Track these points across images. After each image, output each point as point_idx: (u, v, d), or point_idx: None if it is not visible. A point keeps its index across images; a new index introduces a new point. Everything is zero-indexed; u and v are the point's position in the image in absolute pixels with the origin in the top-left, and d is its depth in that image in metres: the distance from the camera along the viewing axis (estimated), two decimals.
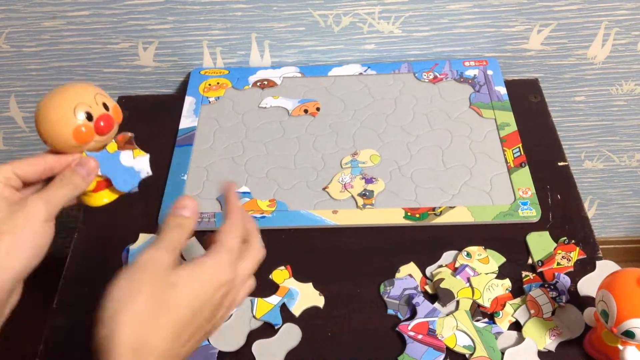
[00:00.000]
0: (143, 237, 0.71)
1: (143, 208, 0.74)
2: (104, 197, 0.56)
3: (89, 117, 0.51)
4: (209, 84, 0.90)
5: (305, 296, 0.65)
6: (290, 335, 0.62)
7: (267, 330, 0.63)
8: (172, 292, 0.43)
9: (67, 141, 0.50)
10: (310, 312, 0.65)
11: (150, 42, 0.92)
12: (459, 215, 0.71)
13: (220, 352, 0.61)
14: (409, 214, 0.71)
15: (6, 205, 0.47)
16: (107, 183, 0.55)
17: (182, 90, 0.93)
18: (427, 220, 0.71)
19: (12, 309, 0.47)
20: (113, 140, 0.54)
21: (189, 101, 0.87)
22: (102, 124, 0.51)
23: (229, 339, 0.62)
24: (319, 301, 0.65)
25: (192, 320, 0.44)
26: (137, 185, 0.55)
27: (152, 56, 0.93)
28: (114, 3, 0.86)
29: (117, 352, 0.40)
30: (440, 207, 0.72)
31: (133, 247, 0.70)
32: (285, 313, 0.64)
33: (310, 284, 0.66)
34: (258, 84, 0.89)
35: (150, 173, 0.55)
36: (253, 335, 0.62)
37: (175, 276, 0.44)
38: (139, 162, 0.57)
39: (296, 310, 0.64)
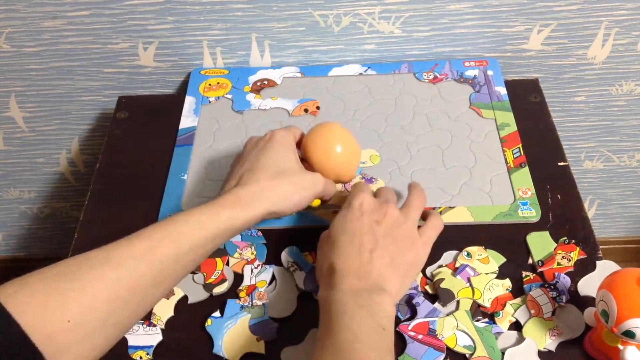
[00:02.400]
0: None
1: (143, 208, 0.74)
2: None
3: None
4: (209, 84, 0.90)
5: None
6: None
7: (294, 337, 0.63)
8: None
9: (344, 177, 0.69)
10: (310, 312, 0.65)
11: (150, 42, 0.92)
12: (459, 216, 0.71)
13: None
14: None
15: (298, 167, 0.64)
16: None
17: (182, 90, 0.94)
18: None
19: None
20: None
21: (189, 101, 0.87)
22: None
23: (281, 307, 0.65)
24: None
25: (350, 239, 0.58)
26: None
27: (152, 56, 0.93)
28: (114, 3, 0.86)
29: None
30: (440, 208, 0.72)
31: None
32: (302, 303, 0.65)
33: None
34: (258, 83, 0.89)
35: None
36: (282, 342, 0.62)
37: None
38: None
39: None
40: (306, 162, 0.67)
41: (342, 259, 0.56)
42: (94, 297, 0.49)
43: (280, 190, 0.61)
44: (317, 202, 0.67)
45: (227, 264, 0.68)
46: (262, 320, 0.63)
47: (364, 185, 0.64)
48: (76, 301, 0.47)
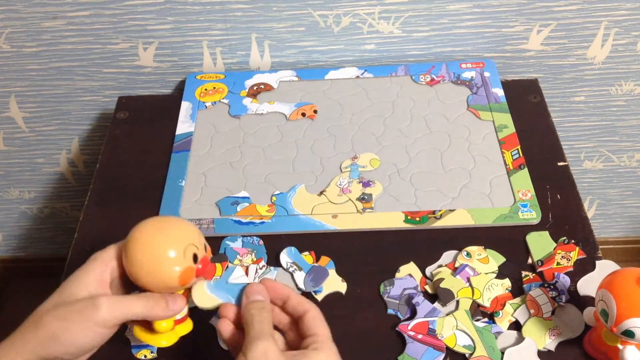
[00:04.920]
0: None
1: (141, 214, 0.73)
2: (172, 338, 0.53)
3: (195, 259, 0.50)
4: (205, 89, 0.89)
5: (329, 281, 0.66)
6: None
7: None
8: None
9: (168, 282, 0.49)
10: None
11: (150, 43, 0.92)
12: (459, 218, 0.71)
13: None
14: (409, 217, 0.71)
15: (87, 291, 0.48)
16: (178, 322, 0.52)
17: (182, 90, 0.93)
18: (427, 223, 0.71)
19: None
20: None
21: (185, 106, 0.86)
22: (199, 267, 0.50)
23: None
24: (342, 287, 0.66)
25: None
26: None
27: (152, 56, 0.93)
28: (114, 3, 0.86)
29: None
30: (440, 211, 0.72)
31: None
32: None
33: (333, 270, 0.68)
34: (255, 88, 0.89)
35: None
36: None
37: None
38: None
39: (319, 295, 0.66)
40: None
41: None
42: None
43: (43, 332, 0.46)
44: (165, 326, 0.51)
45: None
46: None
47: (265, 321, 0.48)
48: None
